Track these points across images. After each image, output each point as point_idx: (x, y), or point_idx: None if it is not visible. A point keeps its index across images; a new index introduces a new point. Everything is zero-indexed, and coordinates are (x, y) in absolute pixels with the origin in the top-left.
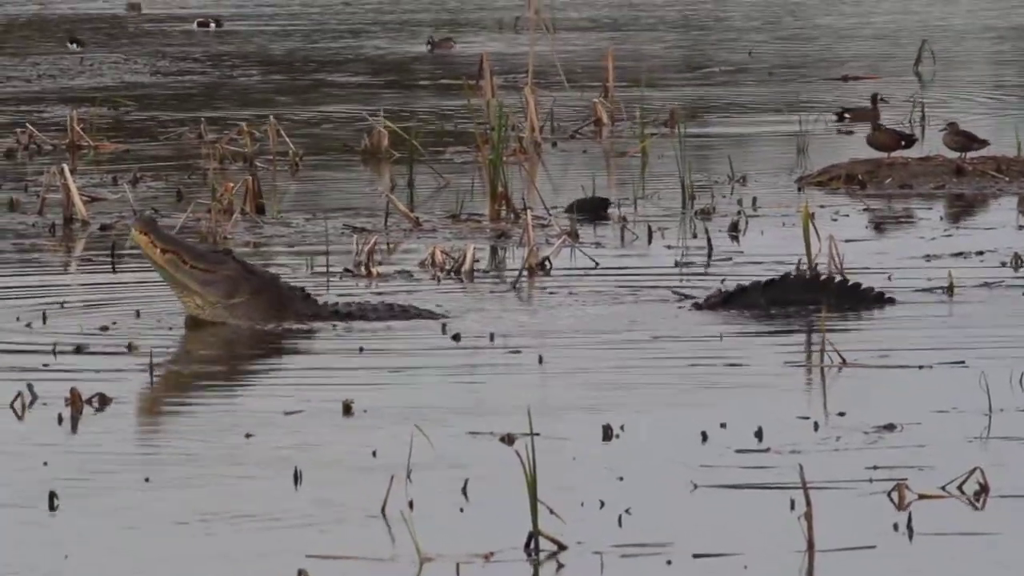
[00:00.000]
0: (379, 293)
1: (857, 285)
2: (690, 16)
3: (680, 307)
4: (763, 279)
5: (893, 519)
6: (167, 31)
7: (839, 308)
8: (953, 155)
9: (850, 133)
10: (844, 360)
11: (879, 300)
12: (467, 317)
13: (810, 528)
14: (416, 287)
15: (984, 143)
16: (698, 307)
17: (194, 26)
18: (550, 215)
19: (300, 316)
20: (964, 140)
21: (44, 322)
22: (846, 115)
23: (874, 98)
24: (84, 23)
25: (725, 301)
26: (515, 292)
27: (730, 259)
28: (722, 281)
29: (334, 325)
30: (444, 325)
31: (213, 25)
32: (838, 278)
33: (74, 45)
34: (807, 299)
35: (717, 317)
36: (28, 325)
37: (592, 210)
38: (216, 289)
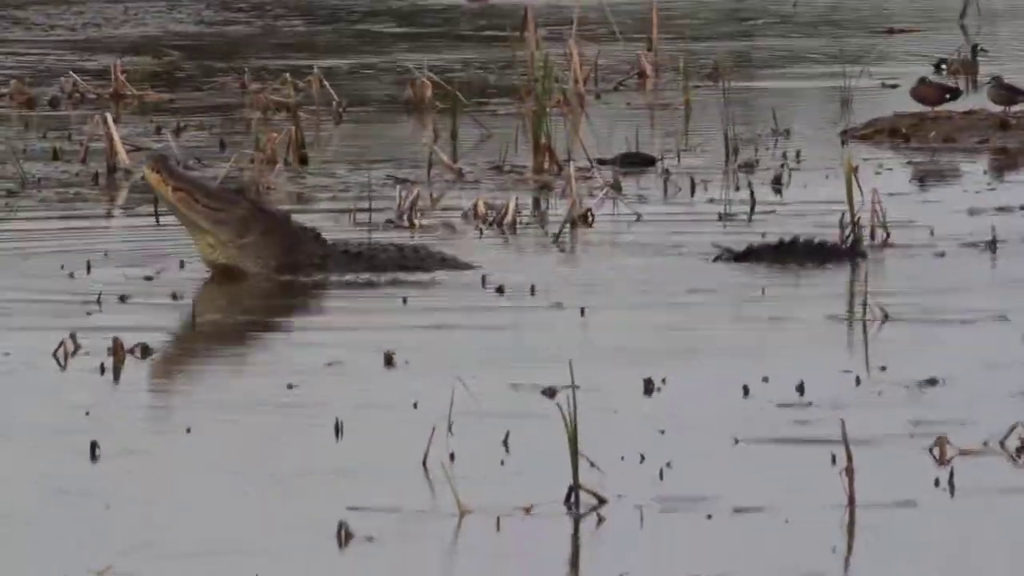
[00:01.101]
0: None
1: (823, 244)
2: None
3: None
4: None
5: (934, 474)
6: None
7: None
8: (997, 109)
9: (895, 87)
10: (886, 314)
11: (849, 254)
12: (490, 265)
13: (851, 483)
14: (458, 238)
15: None
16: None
17: None
18: (593, 167)
19: (311, 256)
20: (1008, 94)
21: (88, 271)
22: (943, 66)
23: (974, 49)
24: None
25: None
26: (557, 244)
27: (773, 212)
28: (763, 235)
29: (347, 266)
30: (484, 277)
31: None
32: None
33: None
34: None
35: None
36: (71, 275)
37: (637, 165)
38: (228, 228)
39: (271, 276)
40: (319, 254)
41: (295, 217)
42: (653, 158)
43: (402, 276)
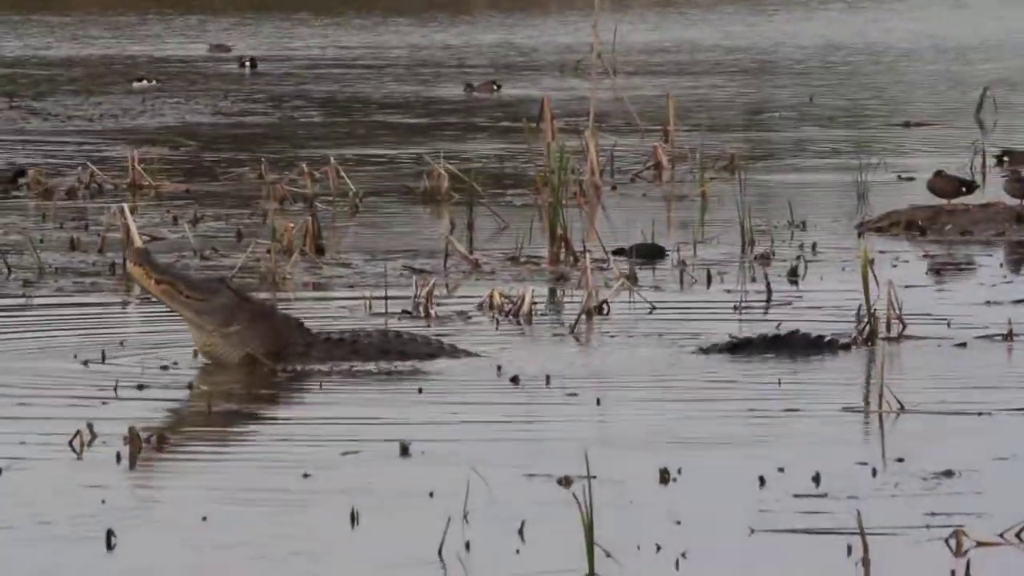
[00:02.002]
0: (438, 333)
1: (814, 337)
2: (750, 61)
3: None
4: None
5: (951, 566)
6: (226, 72)
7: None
8: (1014, 202)
9: (911, 180)
10: (902, 406)
11: (831, 346)
12: (504, 354)
13: (867, 574)
14: (474, 329)
15: None
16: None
17: (236, 66)
18: (609, 258)
19: (294, 344)
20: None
21: (103, 360)
22: (1005, 157)
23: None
24: (151, 65)
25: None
26: (573, 334)
27: (789, 303)
28: (777, 325)
29: (330, 353)
30: (499, 367)
31: (248, 65)
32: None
33: (142, 83)
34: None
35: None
36: (86, 363)
37: (649, 256)
38: (212, 318)
39: (258, 363)
40: (302, 343)
41: (280, 306)
42: (663, 249)
43: (399, 364)
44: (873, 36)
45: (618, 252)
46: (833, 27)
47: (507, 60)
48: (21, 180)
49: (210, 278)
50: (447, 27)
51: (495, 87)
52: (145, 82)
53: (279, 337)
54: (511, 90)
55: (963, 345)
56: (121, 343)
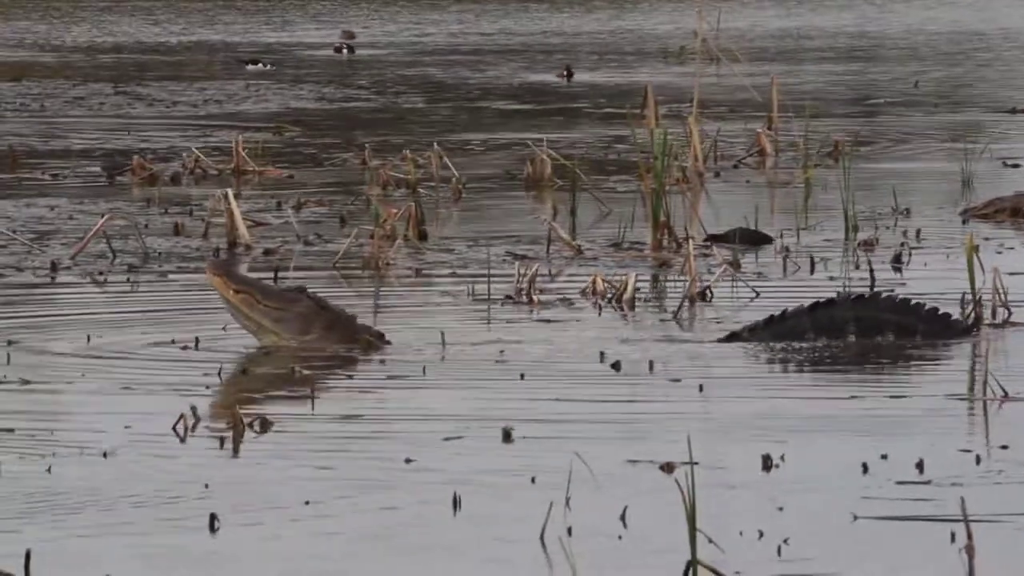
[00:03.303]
0: (543, 320)
1: (920, 305)
2: (855, 46)
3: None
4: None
5: None
6: (326, 58)
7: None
8: None
9: (1016, 167)
10: (1006, 393)
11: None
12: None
13: (971, 561)
14: (577, 315)
15: None
16: (734, 337)
17: (332, 51)
18: (712, 245)
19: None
20: None
21: (197, 346)
22: None
23: None
24: (266, 51)
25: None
26: (676, 321)
27: (893, 291)
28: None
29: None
30: (602, 353)
31: (346, 51)
32: (885, 294)
33: (258, 66)
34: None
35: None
36: (184, 348)
37: (752, 243)
38: (290, 326)
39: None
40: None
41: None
42: (767, 236)
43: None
44: (979, 20)
45: (715, 238)
46: (939, 11)
47: (611, 46)
48: (118, 176)
49: (288, 287)
50: (552, 13)
51: (567, 73)
52: (261, 65)
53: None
54: (612, 77)
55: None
56: (224, 328)
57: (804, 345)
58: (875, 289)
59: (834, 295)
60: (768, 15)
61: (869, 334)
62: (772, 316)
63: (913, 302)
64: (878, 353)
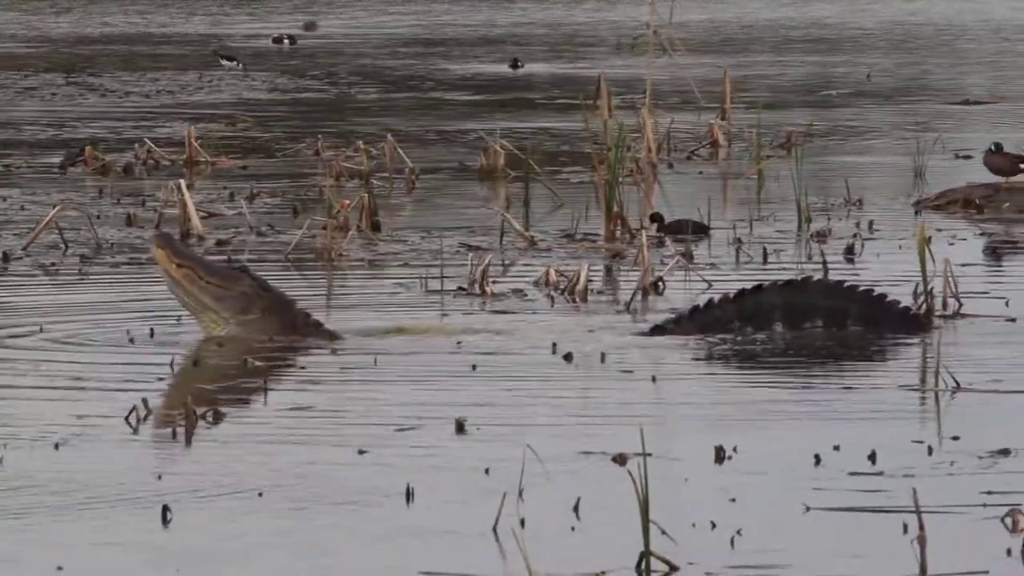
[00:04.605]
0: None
1: (853, 288)
2: (808, 38)
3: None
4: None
5: (1007, 544)
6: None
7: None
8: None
9: (968, 158)
10: (958, 384)
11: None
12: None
13: (923, 552)
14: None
15: None
16: (660, 330)
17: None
18: (664, 235)
19: (307, 339)
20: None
21: (152, 336)
22: None
23: None
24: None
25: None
26: (628, 312)
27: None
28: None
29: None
30: (554, 344)
31: (287, 42)
32: (858, 285)
33: (233, 62)
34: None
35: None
36: (130, 340)
37: (690, 232)
38: (230, 304)
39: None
40: (318, 340)
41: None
42: (704, 226)
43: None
44: (932, 13)
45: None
46: (891, 4)
47: (563, 37)
48: (71, 167)
49: (231, 266)
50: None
51: (517, 65)
52: (235, 63)
53: (295, 331)
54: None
55: (1014, 320)
56: (178, 319)
57: (753, 336)
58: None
59: (761, 283)
60: (722, 6)
61: (798, 321)
62: (696, 306)
63: (846, 284)
64: (831, 343)
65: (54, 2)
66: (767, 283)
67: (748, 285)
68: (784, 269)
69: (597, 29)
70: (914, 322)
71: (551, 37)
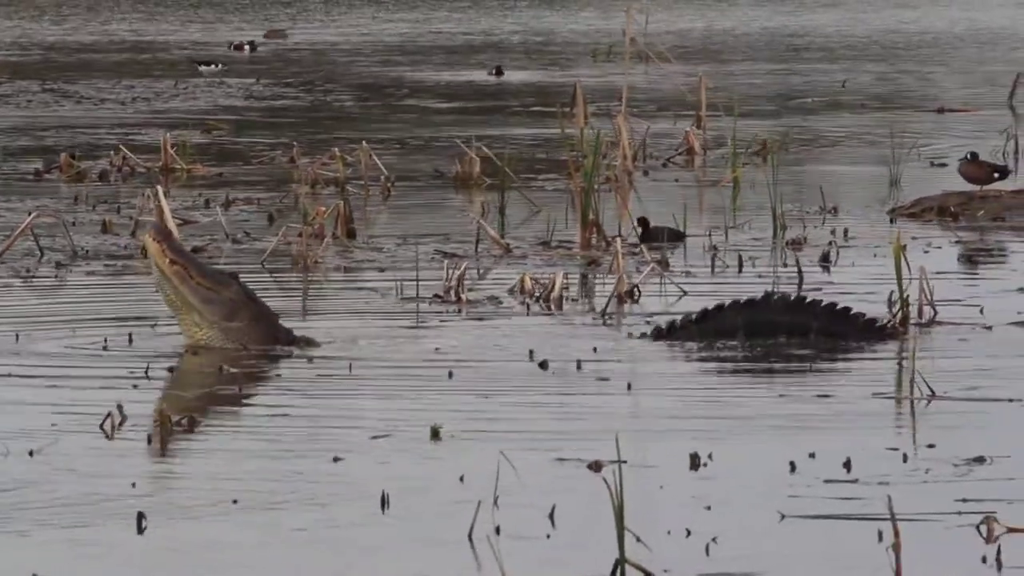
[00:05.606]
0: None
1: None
2: (783, 46)
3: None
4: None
5: (982, 552)
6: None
7: (824, 330)
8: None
9: (943, 166)
10: (933, 392)
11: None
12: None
13: (898, 560)
14: (506, 313)
15: None
16: (658, 335)
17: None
18: (640, 243)
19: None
20: (981, 171)
21: (130, 343)
22: None
23: None
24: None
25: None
26: (604, 320)
27: (820, 290)
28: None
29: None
30: (531, 351)
31: (248, 49)
32: (820, 299)
33: (211, 67)
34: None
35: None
36: (105, 348)
37: (667, 240)
38: (216, 309)
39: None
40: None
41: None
42: (680, 233)
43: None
44: (906, 21)
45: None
46: (866, 13)
47: (539, 45)
48: (46, 174)
49: (223, 271)
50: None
51: (496, 72)
52: (213, 66)
53: (276, 342)
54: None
55: (989, 328)
56: (153, 326)
57: (730, 344)
58: (769, 291)
59: (723, 301)
60: (699, 14)
61: (761, 338)
62: (660, 329)
63: (808, 300)
64: (806, 351)
65: (28, 9)
66: (727, 302)
67: (710, 305)
68: (760, 276)
69: (576, 37)
70: (878, 334)
71: (528, 45)
